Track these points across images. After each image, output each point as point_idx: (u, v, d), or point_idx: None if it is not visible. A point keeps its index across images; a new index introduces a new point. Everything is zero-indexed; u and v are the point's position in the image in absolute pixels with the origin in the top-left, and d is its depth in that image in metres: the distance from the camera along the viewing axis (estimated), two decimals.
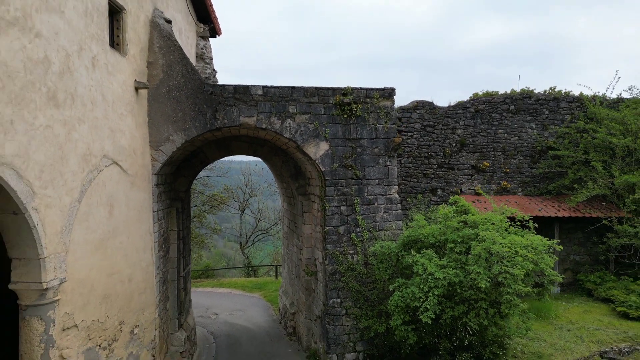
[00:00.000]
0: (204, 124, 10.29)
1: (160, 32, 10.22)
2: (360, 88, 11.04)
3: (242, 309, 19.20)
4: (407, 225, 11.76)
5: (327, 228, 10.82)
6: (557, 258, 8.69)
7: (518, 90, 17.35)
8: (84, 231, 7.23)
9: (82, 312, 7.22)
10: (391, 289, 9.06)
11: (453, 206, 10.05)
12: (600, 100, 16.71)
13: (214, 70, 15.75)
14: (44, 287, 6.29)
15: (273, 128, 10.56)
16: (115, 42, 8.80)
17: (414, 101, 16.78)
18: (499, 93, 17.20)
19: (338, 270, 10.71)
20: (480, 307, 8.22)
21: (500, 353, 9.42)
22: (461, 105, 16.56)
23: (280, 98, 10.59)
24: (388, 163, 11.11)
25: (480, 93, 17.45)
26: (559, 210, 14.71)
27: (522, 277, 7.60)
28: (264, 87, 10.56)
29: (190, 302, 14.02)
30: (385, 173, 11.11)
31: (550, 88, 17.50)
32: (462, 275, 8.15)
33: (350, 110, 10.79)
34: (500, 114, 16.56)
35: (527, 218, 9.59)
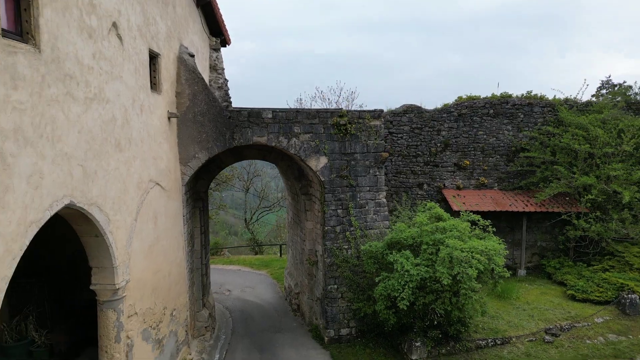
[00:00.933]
0: (223, 143, 12.26)
1: (186, 66, 12.04)
2: (354, 110, 12.96)
3: (252, 285, 21.60)
4: (394, 223, 13.93)
5: (326, 227, 12.96)
6: (505, 260, 10.83)
7: (498, 94, 19.18)
8: (139, 242, 9.34)
9: (139, 303, 9.42)
10: (377, 281, 11.27)
11: (429, 212, 12.15)
12: (571, 104, 18.57)
13: (225, 79, 17.50)
14: (116, 287, 8.43)
15: (281, 145, 12.53)
16: (153, 82, 10.65)
17: (403, 105, 18.63)
18: (481, 97, 19.03)
19: (335, 262, 12.92)
20: (445, 296, 10.43)
21: (463, 330, 11.74)
22: (446, 110, 18.41)
23: (286, 120, 12.52)
24: (377, 173, 13.14)
25: (464, 97, 19.27)
26: (527, 205, 16.83)
27: (476, 275, 9.77)
28: (273, 110, 12.48)
29: (209, 284, 16.32)
30: (374, 181, 13.15)
31: (527, 92, 19.33)
32: (432, 272, 10.33)
33: (346, 130, 12.73)
34: (481, 117, 18.43)
35: (487, 224, 11.72)
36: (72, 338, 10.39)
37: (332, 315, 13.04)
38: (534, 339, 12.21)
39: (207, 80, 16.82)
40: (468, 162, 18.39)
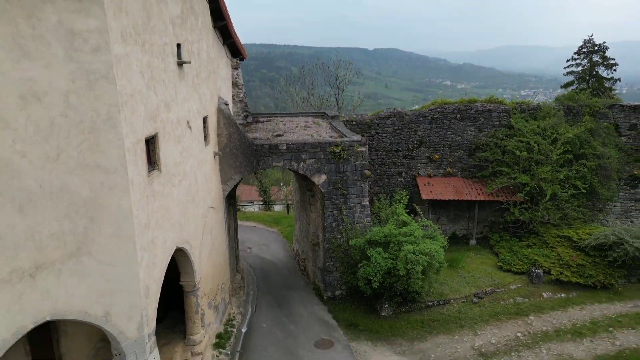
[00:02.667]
0: (251, 168, 16.72)
1: (223, 114, 16.12)
2: (346, 140, 17.22)
3: (266, 243, 26.91)
4: (376, 212, 18.73)
5: (325, 224, 17.80)
6: (443, 252, 15.77)
7: (467, 98, 23.10)
8: (204, 251, 14.22)
9: (206, 287, 14.53)
10: (359, 266, 16.34)
11: (396, 217, 16.90)
12: (523, 108, 22.55)
13: (245, 93, 21.34)
14: (195, 283, 13.44)
15: (293, 168, 17.00)
16: (204, 134, 14.86)
17: (387, 110, 22.67)
18: (452, 101, 22.97)
19: (331, 247, 17.93)
20: (403, 280, 15.54)
21: (417, 296, 17.04)
22: (422, 114, 22.46)
23: (296, 150, 16.85)
24: (362, 185, 17.71)
25: (439, 100, 23.20)
26: (479, 195, 21.55)
27: (421, 270, 14.80)
28: (286, 143, 16.77)
29: (239, 254, 21.52)
30: (360, 191, 17.76)
31: (490, 97, 23.22)
32: (394, 264, 15.34)
33: (340, 155, 17.10)
34: (450, 120, 22.52)
35: (438, 227, 16.57)
36: (160, 306, 15.65)
37: (329, 282, 18.34)
38: (465, 300, 17.58)
39: (231, 95, 20.72)
40: (437, 156, 22.81)
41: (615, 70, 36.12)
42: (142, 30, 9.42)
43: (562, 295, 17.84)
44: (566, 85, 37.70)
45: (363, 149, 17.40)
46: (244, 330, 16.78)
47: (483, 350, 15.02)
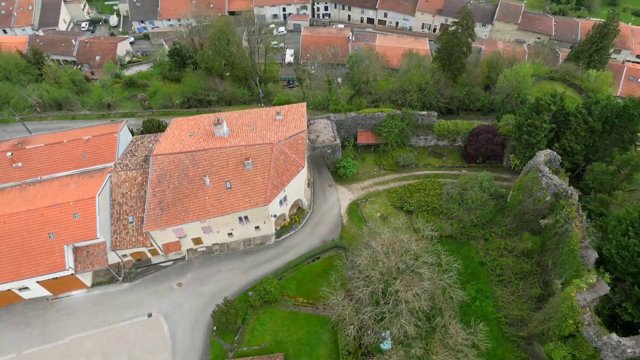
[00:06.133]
0: (311, 151, 66.15)
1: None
2: (335, 143, 65.67)
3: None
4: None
5: (329, 158, 68.20)
6: (356, 170, 66.84)
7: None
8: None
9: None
10: (337, 170, 67.68)
11: (347, 158, 66.85)
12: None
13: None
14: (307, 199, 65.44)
15: (320, 150, 66.34)
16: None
17: (348, 115, 69.04)
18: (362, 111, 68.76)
19: (331, 162, 68.78)
20: (346, 174, 67.20)
21: (351, 176, 68.92)
22: (350, 119, 68.83)
23: (322, 146, 65.61)
24: (338, 150, 67.05)
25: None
26: (375, 140, 70.38)
27: (352, 173, 66.22)
28: (320, 145, 65.44)
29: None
30: (338, 150, 67.21)
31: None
32: (345, 172, 66.65)
33: (333, 147, 65.95)
34: (363, 119, 68.89)
35: (356, 162, 67.17)
36: None
37: (331, 169, 70.16)
38: (361, 174, 69.35)
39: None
40: (363, 127, 70.40)
41: None
42: None
43: (384, 171, 69.80)
44: None
45: (338, 143, 66.26)
46: (311, 180, 69.71)
47: (363, 188, 68.33)
